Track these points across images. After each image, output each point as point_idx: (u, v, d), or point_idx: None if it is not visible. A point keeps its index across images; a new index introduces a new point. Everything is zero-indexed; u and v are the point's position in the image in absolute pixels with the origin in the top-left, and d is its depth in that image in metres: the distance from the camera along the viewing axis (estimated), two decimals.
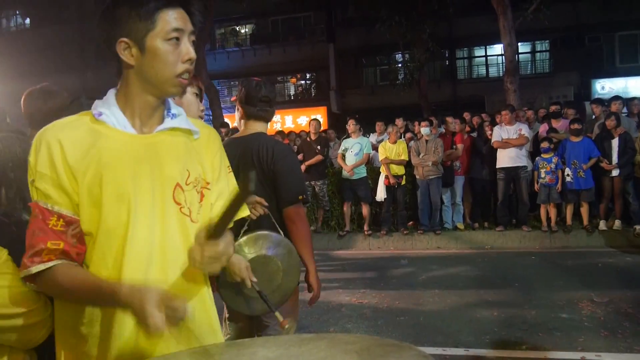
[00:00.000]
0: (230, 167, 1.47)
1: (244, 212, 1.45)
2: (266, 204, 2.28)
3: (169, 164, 1.25)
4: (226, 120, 13.71)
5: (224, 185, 1.40)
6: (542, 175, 7.43)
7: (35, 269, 1.13)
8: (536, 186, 7.55)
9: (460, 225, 8.15)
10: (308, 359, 0.98)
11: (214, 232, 1.14)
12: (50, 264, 1.13)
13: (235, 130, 10.58)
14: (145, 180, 1.20)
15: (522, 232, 7.74)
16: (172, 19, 1.19)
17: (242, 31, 24.76)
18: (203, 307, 1.34)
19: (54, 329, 1.26)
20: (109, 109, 1.23)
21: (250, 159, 2.39)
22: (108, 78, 2.23)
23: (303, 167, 8.04)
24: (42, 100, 2.09)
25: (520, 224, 7.83)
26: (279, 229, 2.28)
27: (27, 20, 27.34)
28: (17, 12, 27.40)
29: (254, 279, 1.82)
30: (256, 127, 2.51)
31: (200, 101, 2.06)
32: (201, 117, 2.03)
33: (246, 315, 2.33)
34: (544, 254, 7.09)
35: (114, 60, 1.23)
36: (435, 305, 5.08)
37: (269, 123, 2.58)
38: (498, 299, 5.09)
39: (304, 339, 1.16)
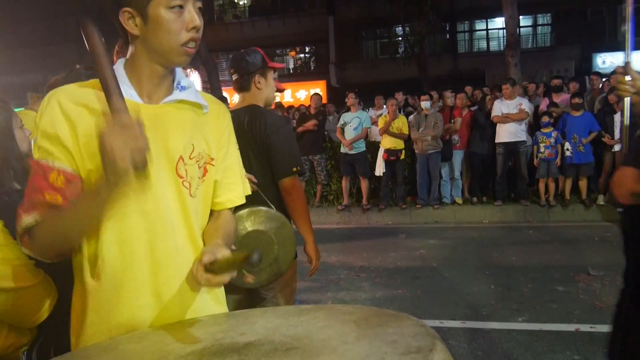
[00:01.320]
0: (237, 145, 1.45)
1: (248, 190, 1.46)
2: (255, 180, 2.27)
3: (173, 136, 1.23)
4: (224, 94, 13.60)
5: (234, 161, 1.39)
6: (542, 149, 7.41)
7: (32, 218, 1.11)
8: (535, 161, 7.54)
9: (459, 200, 8.17)
10: (306, 329, 0.98)
11: (215, 270, 1.13)
12: (44, 215, 1.11)
13: None
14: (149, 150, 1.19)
15: (520, 207, 7.77)
16: None
17: (241, 3, 24.34)
18: None
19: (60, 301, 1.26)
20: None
21: (243, 131, 2.35)
22: (109, 49, 2.19)
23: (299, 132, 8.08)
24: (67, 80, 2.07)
25: (519, 198, 7.85)
26: (269, 203, 2.27)
27: None
28: None
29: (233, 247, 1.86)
30: (249, 99, 2.49)
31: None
32: None
33: (244, 288, 2.35)
34: (541, 228, 7.13)
35: (120, 30, 1.20)
36: (432, 278, 5.13)
37: (247, 93, 2.50)
38: (495, 273, 5.14)
39: (302, 310, 1.17)
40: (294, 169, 2.39)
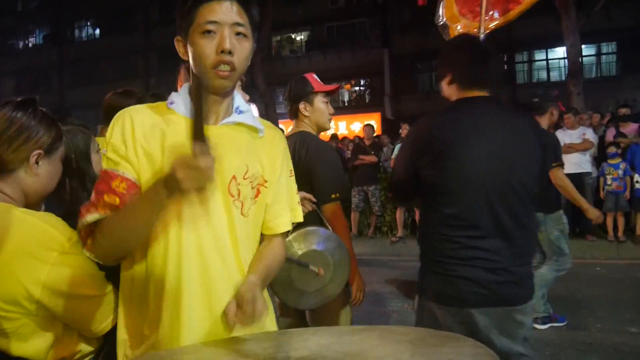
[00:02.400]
0: (292, 172, 1.49)
1: (298, 217, 1.48)
2: (315, 200, 2.29)
3: (228, 156, 1.27)
4: (281, 125, 13.93)
5: (283, 188, 1.42)
6: (609, 181, 7.05)
7: (91, 217, 1.17)
8: (602, 193, 7.16)
9: None
10: (360, 346, 0.97)
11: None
12: (104, 214, 1.17)
13: None
14: None
15: (586, 242, 7.36)
16: (207, 11, 1.20)
17: (298, 38, 25.10)
18: None
19: (119, 314, 1.31)
20: (180, 98, 1.29)
21: (292, 158, 2.39)
22: (171, 83, 2.32)
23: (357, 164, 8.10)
24: (123, 97, 2.22)
25: (585, 233, 7.45)
26: (326, 224, 2.27)
27: (97, 31, 28.96)
28: (88, 23, 29.09)
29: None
30: (298, 125, 2.53)
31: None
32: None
33: (297, 311, 2.34)
34: (610, 266, 6.70)
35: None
36: None
37: (297, 120, 2.54)
38: (558, 310, 4.85)
39: (355, 329, 1.15)
40: (333, 196, 2.36)
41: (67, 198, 1.58)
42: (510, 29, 18.71)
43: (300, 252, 2.13)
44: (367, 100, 23.68)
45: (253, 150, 1.34)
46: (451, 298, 1.81)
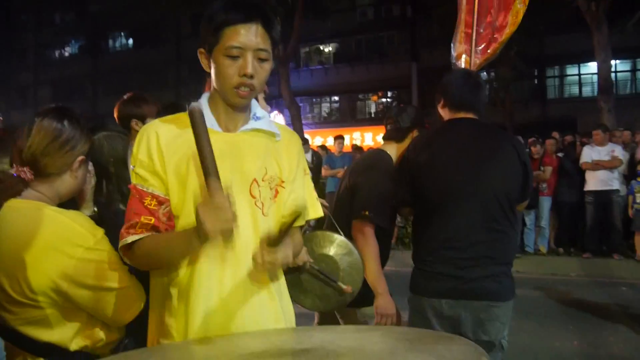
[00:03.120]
0: (307, 171, 1.56)
1: (318, 212, 1.55)
2: (327, 204, 2.34)
3: (248, 160, 1.36)
4: (306, 136, 14.05)
5: (299, 186, 1.49)
6: (638, 199, 6.89)
7: (130, 238, 1.28)
8: (630, 212, 7.01)
9: (543, 249, 7.72)
10: (361, 343, 1.02)
11: (273, 241, 1.25)
12: (142, 235, 1.28)
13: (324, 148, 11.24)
14: (226, 173, 1.31)
15: (612, 261, 7.20)
16: (234, 35, 1.27)
17: (326, 50, 25.35)
18: (269, 296, 1.41)
19: (148, 305, 1.40)
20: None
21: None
22: (200, 93, 2.42)
23: None
24: (135, 105, 2.31)
25: (611, 251, 7.29)
26: (339, 230, 2.31)
27: (130, 41, 29.84)
28: (122, 34, 30.02)
29: (311, 260, 1.99)
30: (385, 146, 2.60)
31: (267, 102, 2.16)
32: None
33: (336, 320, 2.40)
34: (637, 286, 6.53)
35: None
36: (511, 331, 4.84)
37: (399, 144, 2.55)
38: (581, 329, 4.77)
39: (360, 329, 1.22)
40: (364, 212, 2.34)
41: (103, 200, 1.69)
42: (542, 43, 18.54)
43: (310, 254, 2.19)
44: None
45: (271, 154, 1.42)
46: (430, 290, 2.13)
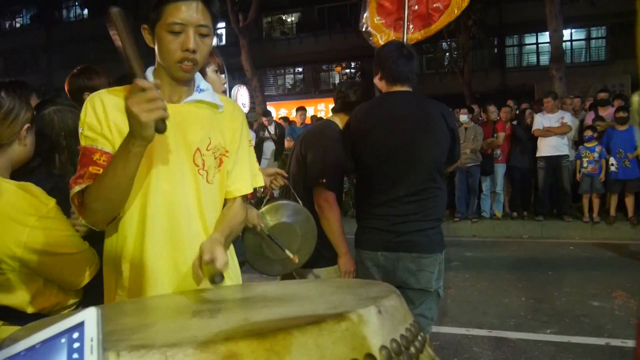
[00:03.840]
0: (251, 142, 1.64)
1: (259, 182, 1.64)
2: (286, 174, 2.45)
3: (192, 130, 1.43)
4: (270, 108, 14.01)
5: (243, 156, 1.57)
6: (585, 164, 7.27)
7: (78, 187, 1.32)
8: (578, 176, 7.39)
9: (498, 214, 8.08)
10: (296, 291, 1.13)
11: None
12: (90, 183, 1.31)
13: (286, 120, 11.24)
14: (170, 142, 1.39)
15: (562, 223, 7.61)
16: (175, 12, 1.33)
17: (289, 20, 24.99)
18: None
19: (102, 267, 1.48)
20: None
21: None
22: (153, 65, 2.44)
23: None
24: (86, 77, 2.31)
25: (561, 214, 7.70)
26: (298, 199, 2.44)
27: (85, 11, 28.64)
28: (77, 3, 28.75)
29: (262, 224, 2.16)
30: (333, 117, 2.75)
31: (221, 74, 2.22)
32: (224, 91, 2.21)
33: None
34: (583, 245, 6.96)
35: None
36: (464, 288, 5.14)
37: (347, 116, 2.60)
38: (528, 285, 5.10)
39: (302, 282, 1.34)
40: (321, 180, 2.48)
41: (57, 172, 1.74)
42: (500, 13, 18.81)
43: (271, 224, 2.31)
44: None
45: (215, 124, 1.49)
46: (368, 244, 2.37)
